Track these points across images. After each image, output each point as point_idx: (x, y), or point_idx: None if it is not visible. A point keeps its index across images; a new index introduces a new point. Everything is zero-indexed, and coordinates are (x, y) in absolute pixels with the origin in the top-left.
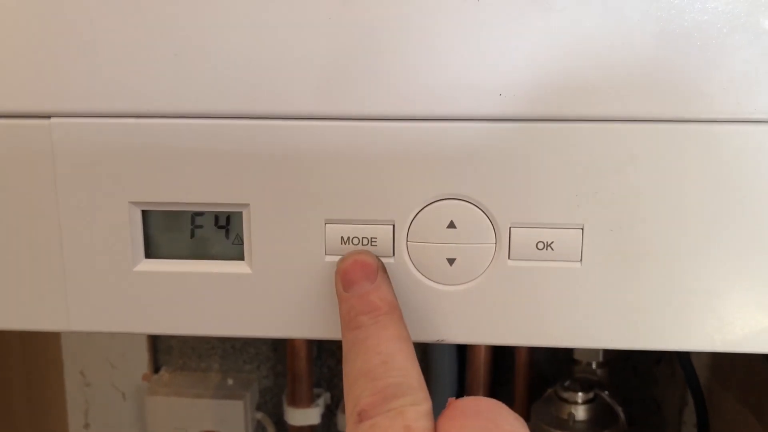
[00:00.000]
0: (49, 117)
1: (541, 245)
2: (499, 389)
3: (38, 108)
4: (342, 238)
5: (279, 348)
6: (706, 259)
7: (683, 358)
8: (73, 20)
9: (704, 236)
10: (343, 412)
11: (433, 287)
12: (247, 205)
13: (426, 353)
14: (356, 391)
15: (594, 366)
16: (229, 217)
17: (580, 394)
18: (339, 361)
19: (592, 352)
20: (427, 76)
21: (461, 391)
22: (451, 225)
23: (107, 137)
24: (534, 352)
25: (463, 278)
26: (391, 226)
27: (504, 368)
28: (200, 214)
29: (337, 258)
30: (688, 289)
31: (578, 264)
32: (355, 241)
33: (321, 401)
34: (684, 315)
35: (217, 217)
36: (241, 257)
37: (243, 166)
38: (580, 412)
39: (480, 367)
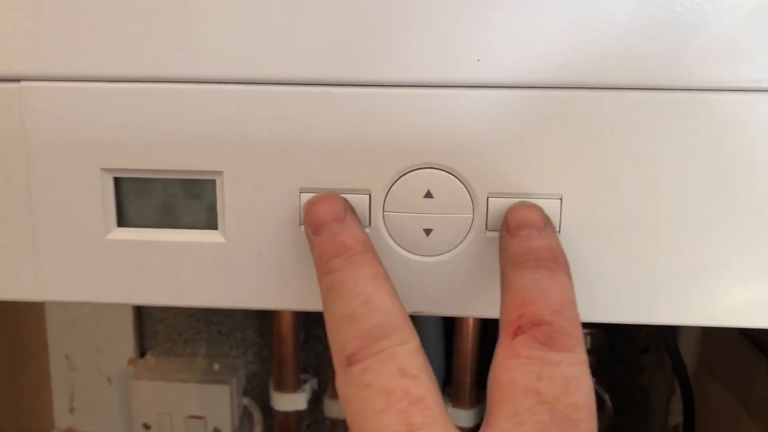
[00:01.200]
0: (18, 81)
1: None
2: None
3: (7, 71)
4: None
5: (266, 333)
6: (687, 231)
7: (670, 346)
8: None
9: (685, 207)
10: (332, 397)
11: (409, 258)
12: (220, 173)
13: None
14: (340, 336)
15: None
16: (202, 184)
17: None
18: (326, 347)
19: None
20: (403, 40)
21: (448, 373)
22: (428, 195)
23: (78, 102)
24: None
25: (440, 249)
26: (368, 196)
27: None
28: (173, 181)
29: None
30: (669, 262)
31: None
32: None
33: (308, 387)
34: (665, 288)
35: (190, 184)
36: (214, 226)
37: (216, 133)
38: None
39: (467, 352)
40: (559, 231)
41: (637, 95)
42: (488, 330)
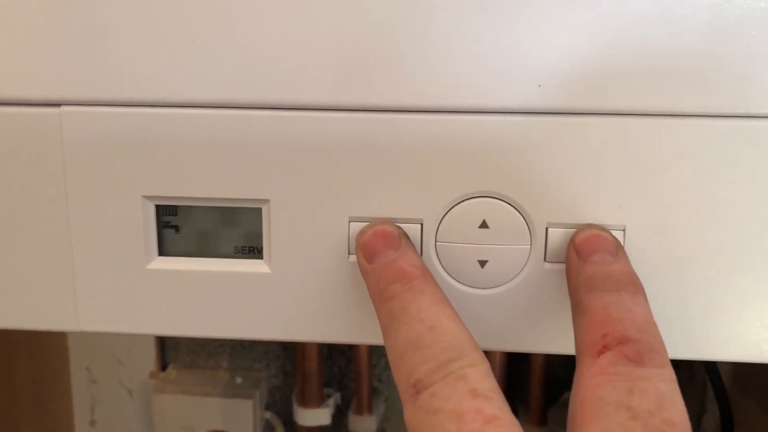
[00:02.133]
0: (59, 105)
1: None
2: (513, 393)
3: (47, 95)
4: None
5: (289, 347)
6: (756, 265)
7: (709, 366)
8: (86, 2)
9: (754, 240)
10: (355, 413)
11: (462, 291)
12: (266, 201)
13: None
14: (406, 364)
15: None
16: (247, 213)
17: None
18: (350, 361)
19: None
20: (460, 64)
21: None
22: (483, 225)
23: (120, 127)
24: (550, 354)
25: (496, 282)
26: (419, 225)
27: (518, 371)
28: (217, 210)
29: None
30: (736, 297)
31: None
32: None
33: (331, 401)
34: (731, 324)
35: (234, 213)
36: (259, 256)
37: (263, 160)
38: None
39: (495, 370)
40: None
41: (707, 122)
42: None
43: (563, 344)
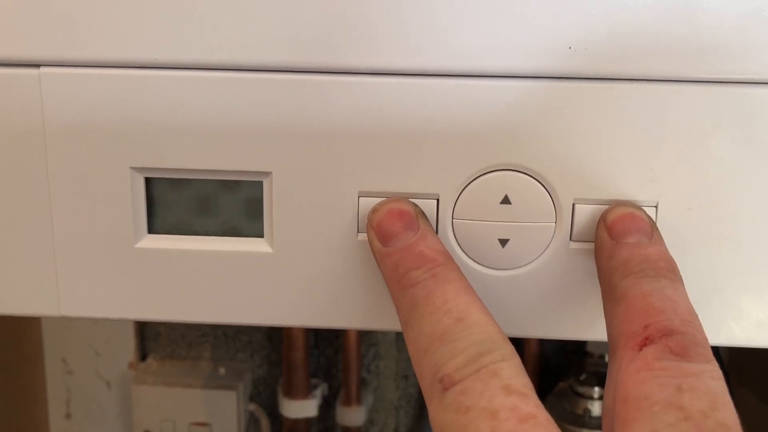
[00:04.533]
0: (38, 66)
1: None
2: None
3: (25, 55)
4: None
5: (273, 336)
6: None
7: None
8: None
9: None
10: (343, 404)
11: (481, 272)
12: (268, 174)
13: None
14: (432, 358)
15: (607, 359)
16: (247, 187)
17: (596, 388)
18: (337, 350)
19: (605, 344)
20: (482, 22)
21: None
22: (505, 200)
23: (105, 91)
24: (544, 343)
25: (517, 262)
26: (435, 201)
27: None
28: (213, 183)
29: None
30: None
31: None
32: None
33: (318, 392)
34: (766, 308)
35: (233, 187)
36: (260, 234)
37: (265, 128)
38: (596, 408)
39: None
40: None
41: (747, 90)
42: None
43: (589, 330)
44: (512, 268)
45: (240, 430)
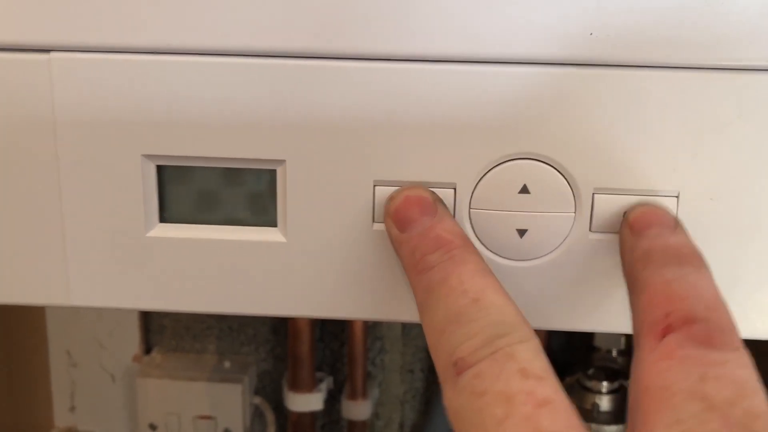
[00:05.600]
0: (48, 51)
1: None
2: None
3: (35, 40)
4: None
5: (279, 329)
6: None
7: None
8: None
9: None
10: (349, 398)
11: (499, 263)
12: (282, 162)
13: None
14: (447, 340)
15: (614, 353)
16: (260, 175)
17: (604, 383)
18: (342, 343)
19: (613, 338)
20: (502, 7)
21: None
22: (524, 190)
23: (117, 77)
24: (552, 337)
25: (535, 252)
26: (452, 190)
27: None
28: (226, 171)
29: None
30: None
31: None
32: None
33: (324, 386)
34: None
35: (246, 175)
36: (273, 223)
37: (279, 116)
38: (605, 403)
39: None
40: None
41: None
42: None
43: (609, 321)
44: (530, 259)
45: (245, 423)
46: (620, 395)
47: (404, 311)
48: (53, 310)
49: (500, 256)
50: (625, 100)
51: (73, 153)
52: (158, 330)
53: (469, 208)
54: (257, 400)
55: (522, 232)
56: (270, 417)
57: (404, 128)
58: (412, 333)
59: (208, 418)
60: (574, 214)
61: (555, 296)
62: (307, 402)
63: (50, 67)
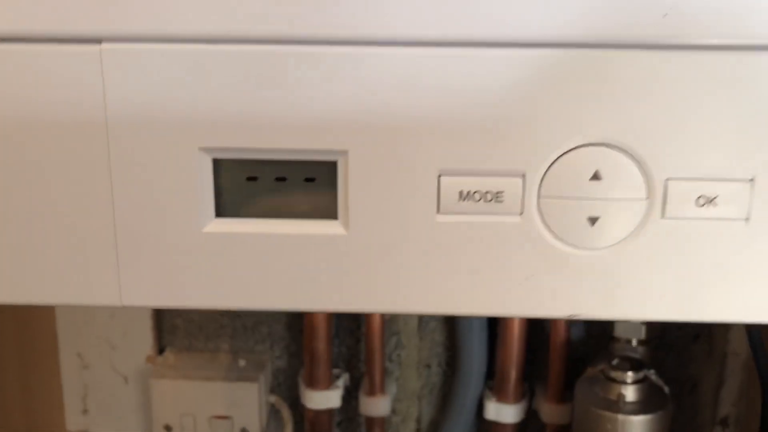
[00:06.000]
0: (99, 42)
1: (702, 200)
2: (532, 368)
3: (86, 30)
4: (460, 192)
5: (293, 326)
6: None
7: (756, 344)
8: None
9: None
10: (367, 394)
11: (569, 252)
12: (344, 153)
13: (453, 327)
14: None
15: (635, 343)
16: (321, 167)
17: (629, 373)
18: (358, 340)
19: (633, 327)
20: None
21: (491, 371)
22: (595, 176)
23: (170, 67)
24: (571, 328)
25: (607, 241)
26: (521, 179)
27: (536, 347)
28: (284, 163)
29: (453, 215)
30: None
31: (744, 223)
32: (476, 196)
33: (340, 382)
34: None
35: (306, 167)
36: (333, 216)
37: (341, 104)
38: (630, 393)
39: (513, 344)
40: (747, 218)
41: None
42: (535, 320)
43: (682, 310)
44: (602, 248)
45: (261, 422)
46: (646, 385)
47: (468, 304)
48: (63, 311)
49: (571, 246)
50: (698, 84)
51: (126, 147)
52: (171, 330)
53: (539, 196)
54: (273, 398)
55: (593, 220)
56: (286, 415)
57: (471, 115)
58: (429, 327)
59: (225, 417)
60: (646, 200)
61: (627, 285)
62: (325, 399)
63: (101, 59)
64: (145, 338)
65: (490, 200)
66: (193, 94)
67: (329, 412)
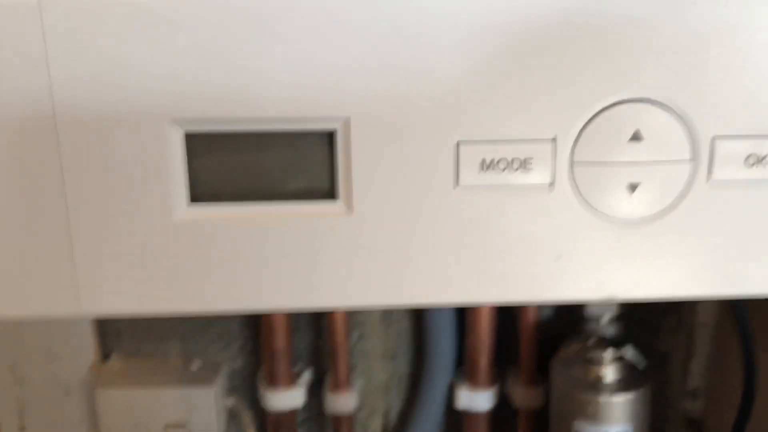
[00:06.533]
0: None
1: (752, 160)
2: (503, 353)
3: None
4: (483, 161)
5: (249, 324)
6: None
7: (743, 322)
8: None
9: None
10: (332, 390)
11: (606, 224)
12: (346, 120)
13: (420, 313)
14: None
15: (606, 321)
16: (316, 139)
17: (607, 353)
18: (319, 334)
19: (605, 305)
20: None
21: (461, 355)
22: (635, 137)
23: (126, 19)
24: (541, 309)
25: (648, 210)
26: (550, 144)
27: (506, 326)
28: (272, 135)
29: (474, 188)
30: None
31: None
32: (501, 165)
33: (303, 379)
34: None
35: (297, 139)
36: (332, 195)
37: (338, 60)
38: (609, 373)
39: (483, 327)
40: None
41: None
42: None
43: (733, 284)
44: (643, 218)
45: (220, 427)
46: (624, 364)
47: (493, 291)
48: None
49: (608, 216)
50: (751, 32)
51: (76, 121)
52: (115, 334)
53: (571, 162)
54: (231, 401)
55: (633, 187)
56: (247, 419)
57: (492, 73)
58: (393, 315)
59: (180, 426)
60: (690, 162)
61: (673, 258)
62: (288, 398)
63: (41, 14)
64: (87, 345)
65: (517, 169)
66: (156, 54)
67: (293, 411)
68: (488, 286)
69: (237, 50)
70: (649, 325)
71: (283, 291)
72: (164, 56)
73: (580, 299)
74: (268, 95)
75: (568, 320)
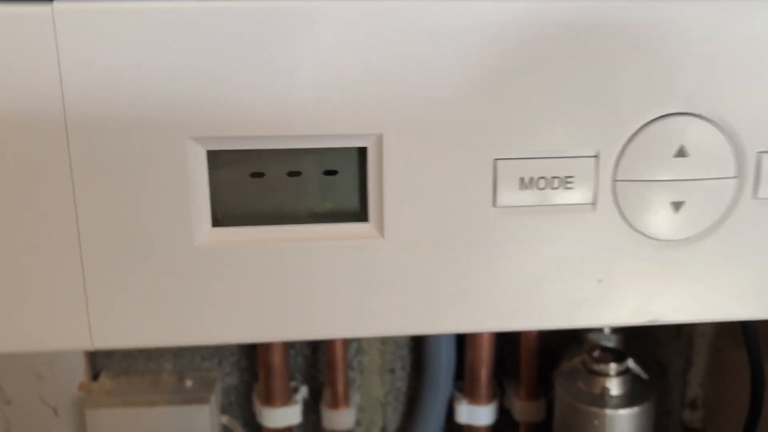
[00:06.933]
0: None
1: None
2: (501, 364)
3: None
4: (521, 179)
5: None
6: None
7: (752, 339)
8: None
9: None
10: (330, 407)
11: (649, 243)
12: (377, 137)
13: None
14: None
15: (608, 331)
16: (346, 156)
17: (613, 365)
18: (316, 348)
19: None
20: None
21: (461, 368)
22: (680, 153)
23: (143, 29)
24: None
25: (693, 229)
26: (593, 160)
27: (506, 339)
28: (300, 153)
29: (512, 208)
30: None
31: None
32: (541, 183)
33: (300, 397)
34: None
35: (326, 156)
36: (364, 217)
37: (371, 74)
38: (615, 386)
39: (483, 340)
40: None
41: None
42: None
43: None
44: (687, 237)
45: None
46: (629, 376)
47: (532, 316)
48: None
49: (651, 235)
50: None
51: (90, 137)
52: (105, 352)
53: (614, 179)
54: (225, 419)
55: (678, 205)
56: None
57: (532, 88)
58: None
59: None
60: (736, 179)
61: (719, 279)
62: (284, 416)
63: (54, 20)
64: (76, 363)
65: (557, 187)
66: (176, 67)
67: (289, 428)
68: (527, 311)
69: (262, 59)
70: (647, 335)
71: (310, 319)
72: (185, 70)
73: (622, 323)
74: (295, 110)
75: (566, 331)
